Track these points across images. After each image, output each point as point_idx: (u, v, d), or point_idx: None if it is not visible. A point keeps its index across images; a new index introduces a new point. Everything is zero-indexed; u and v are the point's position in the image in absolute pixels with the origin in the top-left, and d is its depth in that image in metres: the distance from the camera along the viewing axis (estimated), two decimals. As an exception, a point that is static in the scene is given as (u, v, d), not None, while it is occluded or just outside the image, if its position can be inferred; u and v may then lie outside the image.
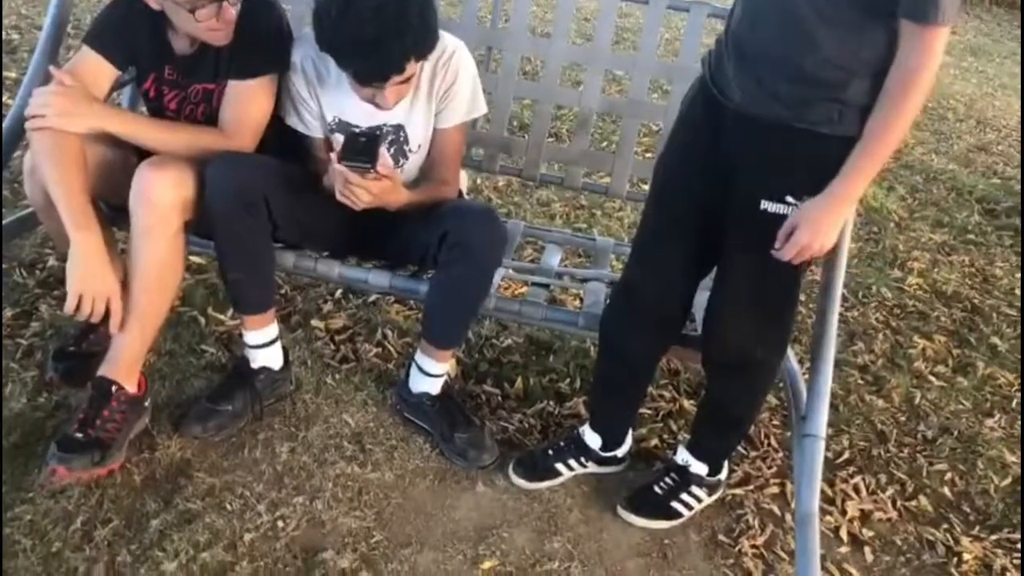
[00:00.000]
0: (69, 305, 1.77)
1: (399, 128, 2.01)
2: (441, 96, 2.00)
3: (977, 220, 4.03)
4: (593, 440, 2.07)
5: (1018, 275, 3.52)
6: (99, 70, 1.91)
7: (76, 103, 1.81)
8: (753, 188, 1.68)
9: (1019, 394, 2.72)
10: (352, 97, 1.94)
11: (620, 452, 2.11)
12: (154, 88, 2.02)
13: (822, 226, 1.60)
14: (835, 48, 1.54)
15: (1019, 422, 2.58)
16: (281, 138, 2.03)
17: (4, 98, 3.52)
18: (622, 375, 2.03)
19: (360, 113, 1.98)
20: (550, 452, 2.08)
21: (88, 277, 1.77)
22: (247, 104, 1.94)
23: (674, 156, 1.83)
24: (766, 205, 1.66)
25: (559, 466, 2.06)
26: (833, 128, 1.59)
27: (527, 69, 4.50)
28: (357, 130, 1.95)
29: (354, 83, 1.85)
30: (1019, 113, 5.91)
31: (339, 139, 1.97)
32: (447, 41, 1.98)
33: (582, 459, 2.07)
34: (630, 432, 2.12)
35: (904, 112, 1.53)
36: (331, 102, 1.99)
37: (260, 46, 1.93)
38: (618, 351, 1.98)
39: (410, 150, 2.04)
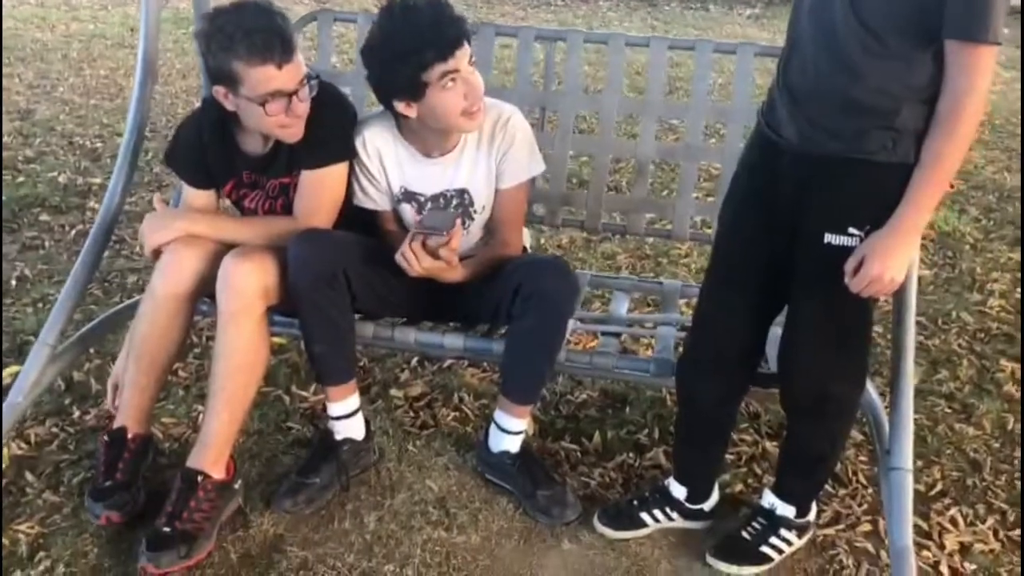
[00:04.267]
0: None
1: (463, 192, 2.10)
2: (501, 157, 2.08)
3: (1057, 235, 3.91)
4: (679, 491, 2.06)
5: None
6: (196, 193, 2.15)
7: (161, 219, 2.05)
8: (815, 223, 1.69)
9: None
10: (417, 167, 2.06)
11: (707, 506, 2.08)
12: (235, 193, 2.16)
13: (889, 258, 1.60)
14: (882, 77, 1.56)
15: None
16: (355, 215, 2.13)
17: (91, 202, 3.74)
18: (702, 423, 2.02)
19: (426, 182, 2.09)
20: (635, 503, 2.08)
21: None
22: (320, 192, 2.05)
23: (736, 202, 1.86)
24: (830, 238, 1.67)
25: (645, 516, 2.05)
26: (889, 156, 1.60)
27: (583, 127, 4.59)
28: (442, 203, 2.09)
29: (437, 87, 1.88)
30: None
31: (406, 209, 2.10)
32: (503, 107, 2.09)
33: (667, 510, 2.06)
34: (716, 486, 2.10)
35: (958, 137, 1.53)
36: (397, 174, 2.09)
37: (330, 136, 2.04)
38: (696, 398, 1.99)
39: (475, 211, 2.13)
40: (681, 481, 2.06)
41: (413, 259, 1.90)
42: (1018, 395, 2.67)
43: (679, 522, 2.07)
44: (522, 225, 2.23)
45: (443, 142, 2.05)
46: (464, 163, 2.07)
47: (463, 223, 2.12)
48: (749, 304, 1.85)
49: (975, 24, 1.47)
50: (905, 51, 1.54)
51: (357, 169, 2.09)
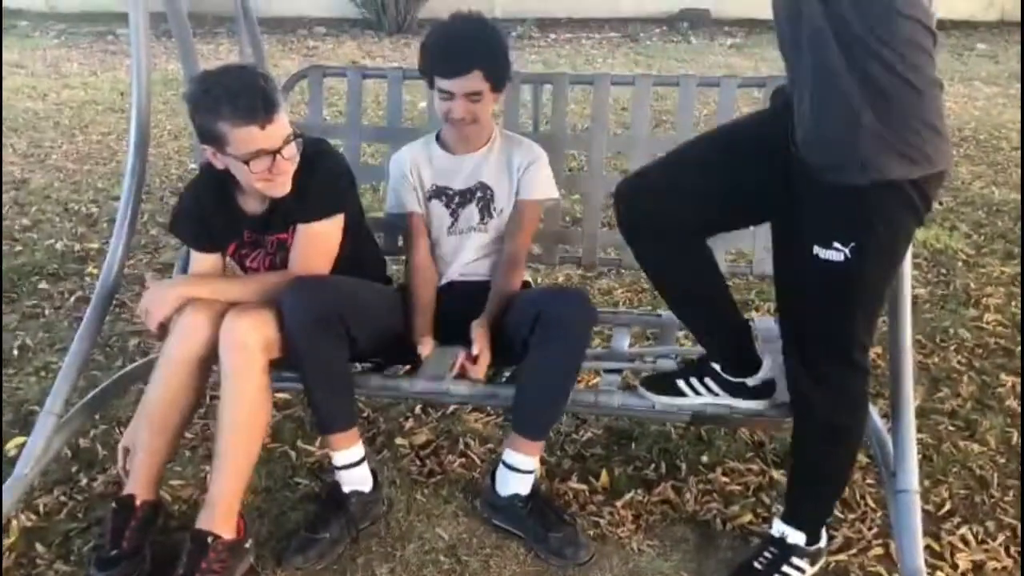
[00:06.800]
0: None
1: (486, 187, 2.32)
2: (523, 170, 2.31)
3: (1049, 247, 3.95)
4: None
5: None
6: (202, 258, 2.20)
7: (158, 291, 2.06)
8: (808, 237, 1.73)
9: (1123, 419, 2.62)
10: (447, 161, 2.33)
11: (751, 380, 2.02)
12: (237, 254, 2.21)
13: None
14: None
15: None
16: (350, 267, 2.17)
17: (89, 268, 3.77)
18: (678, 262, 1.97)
19: (455, 176, 2.33)
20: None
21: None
22: (314, 245, 2.10)
23: (751, 123, 1.95)
24: (818, 251, 1.71)
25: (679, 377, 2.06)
26: (862, 177, 1.64)
27: (572, 165, 4.63)
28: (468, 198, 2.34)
29: (438, 97, 2.18)
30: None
31: (435, 205, 2.34)
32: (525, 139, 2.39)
33: (706, 380, 2.03)
34: (766, 362, 2.02)
35: None
36: (428, 174, 2.35)
37: (322, 190, 2.08)
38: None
39: (495, 209, 2.32)
40: (709, 349, 2.05)
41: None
42: (1020, 409, 2.68)
43: (723, 396, 2.04)
44: (530, 242, 2.37)
45: (467, 143, 2.32)
46: (491, 161, 2.32)
47: (483, 217, 2.32)
48: (711, 184, 1.86)
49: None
50: (835, 61, 1.59)
51: (395, 172, 2.36)
